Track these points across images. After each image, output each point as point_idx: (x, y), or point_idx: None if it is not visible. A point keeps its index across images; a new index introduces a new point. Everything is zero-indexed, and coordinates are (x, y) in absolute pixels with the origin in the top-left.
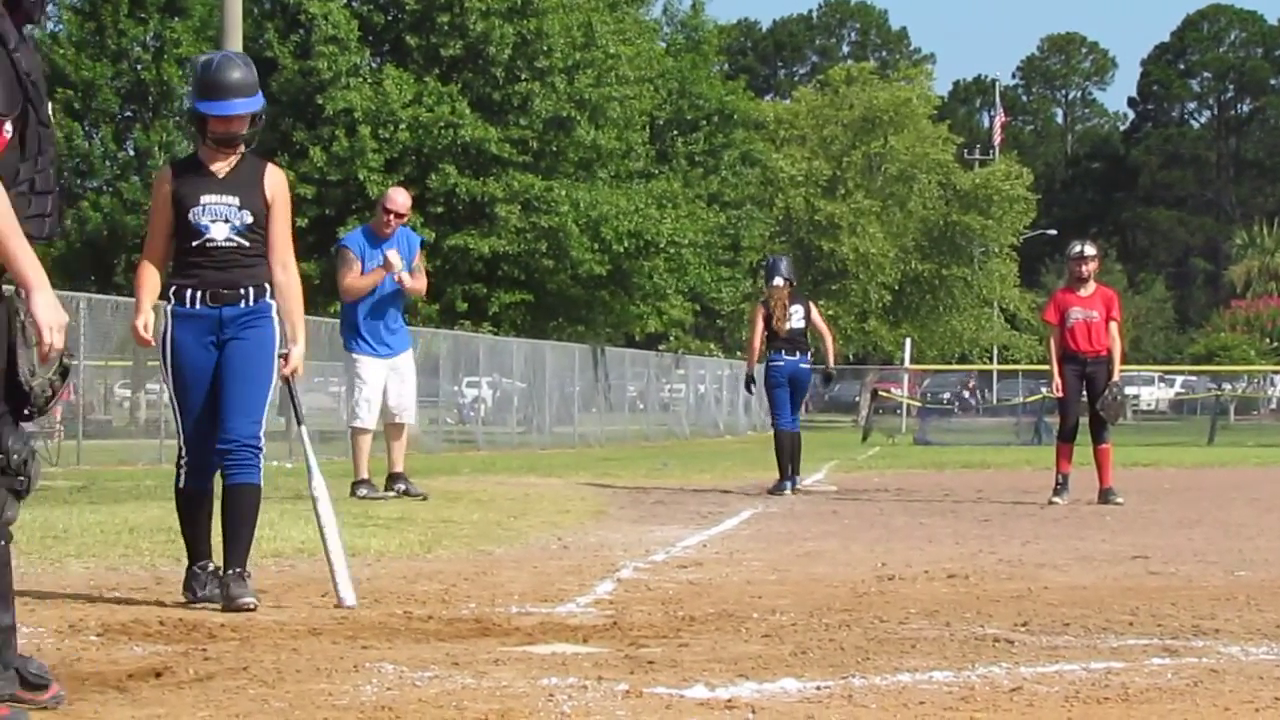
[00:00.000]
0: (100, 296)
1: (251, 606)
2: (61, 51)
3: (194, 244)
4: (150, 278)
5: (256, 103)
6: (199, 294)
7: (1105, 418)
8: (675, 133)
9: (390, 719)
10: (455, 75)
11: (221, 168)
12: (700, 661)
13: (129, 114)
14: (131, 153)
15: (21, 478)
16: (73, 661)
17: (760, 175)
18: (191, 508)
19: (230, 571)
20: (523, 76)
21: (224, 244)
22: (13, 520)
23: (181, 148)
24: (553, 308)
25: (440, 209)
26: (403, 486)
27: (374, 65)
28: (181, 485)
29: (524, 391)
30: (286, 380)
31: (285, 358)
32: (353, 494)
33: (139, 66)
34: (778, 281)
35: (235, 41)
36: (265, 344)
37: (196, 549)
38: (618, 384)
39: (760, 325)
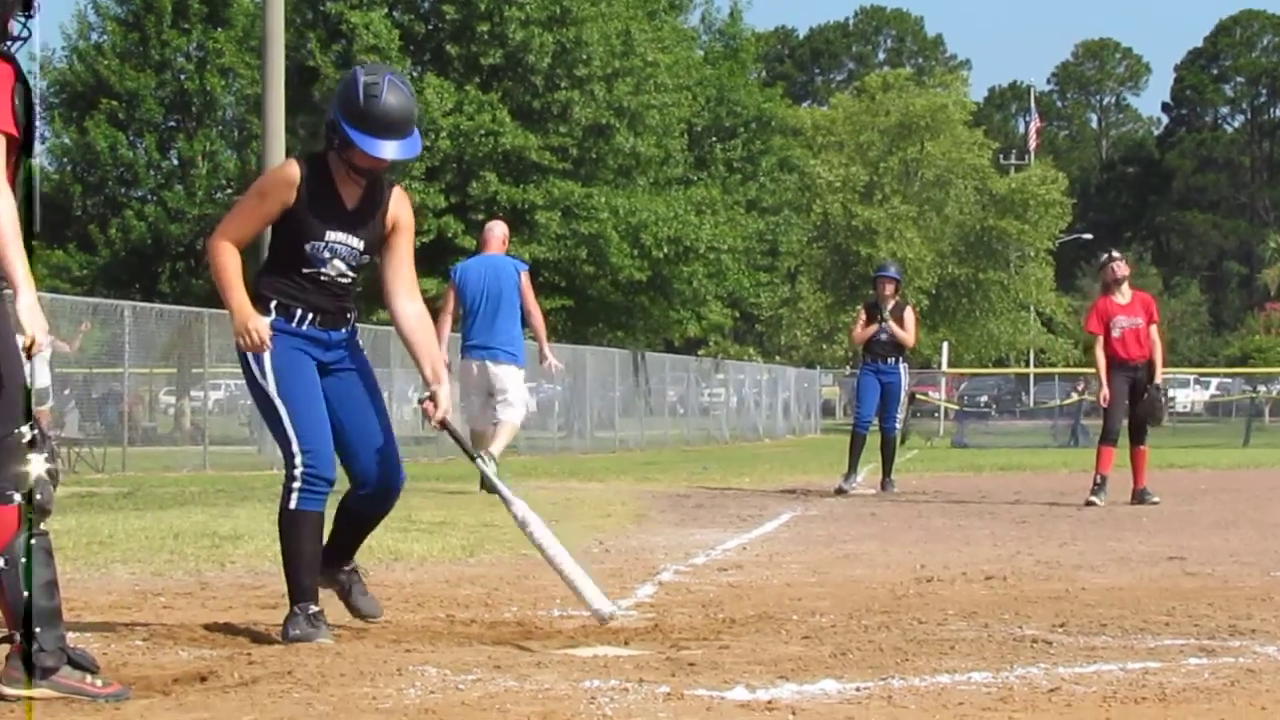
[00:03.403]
0: (145, 304)
1: (378, 618)
2: (106, 62)
3: (305, 270)
4: (236, 261)
5: (416, 146)
6: (309, 315)
7: (1148, 420)
8: (714, 139)
9: None
10: (495, 84)
11: (353, 194)
12: (741, 663)
13: (172, 123)
14: (175, 162)
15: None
16: (119, 666)
17: (798, 181)
18: (306, 534)
19: (349, 570)
20: (562, 84)
21: (336, 279)
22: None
23: (225, 157)
24: (593, 313)
25: (481, 216)
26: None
27: (415, 74)
28: (293, 505)
29: (565, 397)
30: (443, 424)
31: (433, 400)
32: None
33: (182, 76)
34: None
35: (277, 51)
36: (371, 373)
37: (303, 586)
38: (658, 389)
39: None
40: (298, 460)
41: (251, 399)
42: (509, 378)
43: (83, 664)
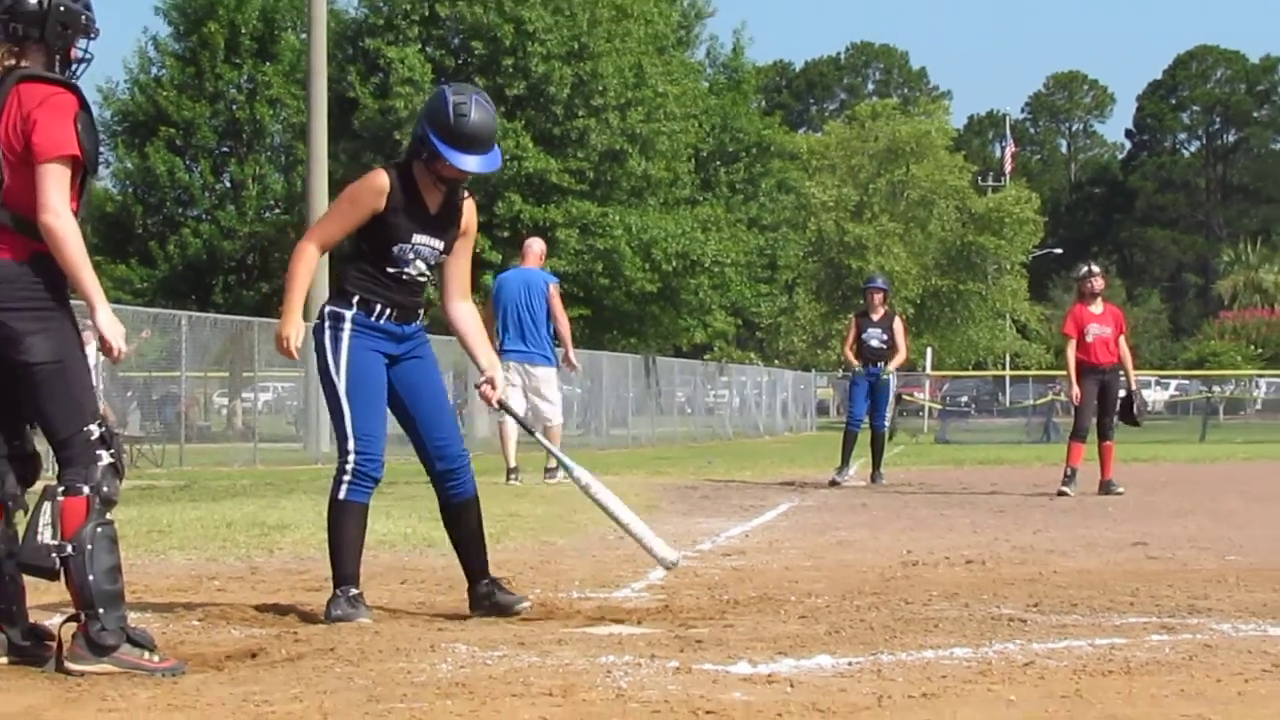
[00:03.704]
0: (200, 314)
1: (526, 606)
2: (164, 93)
3: (389, 270)
4: (309, 271)
5: (497, 161)
6: (388, 311)
7: (1138, 419)
8: (718, 163)
9: (464, 694)
10: (519, 112)
11: (435, 200)
12: (743, 640)
13: (225, 149)
14: (227, 184)
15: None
16: (176, 644)
17: (794, 201)
18: (352, 523)
19: (489, 581)
20: (580, 113)
21: (416, 278)
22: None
23: (273, 180)
24: (609, 322)
25: (506, 233)
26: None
27: None
28: (342, 495)
29: (583, 397)
30: (501, 404)
31: (491, 383)
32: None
33: (234, 106)
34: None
35: (320, 84)
36: (436, 363)
37: (345, 571)
38: (667, 390)
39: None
40: (351, 455)
41: (321, 390)
42: (544, 377)
43: (141, 642)
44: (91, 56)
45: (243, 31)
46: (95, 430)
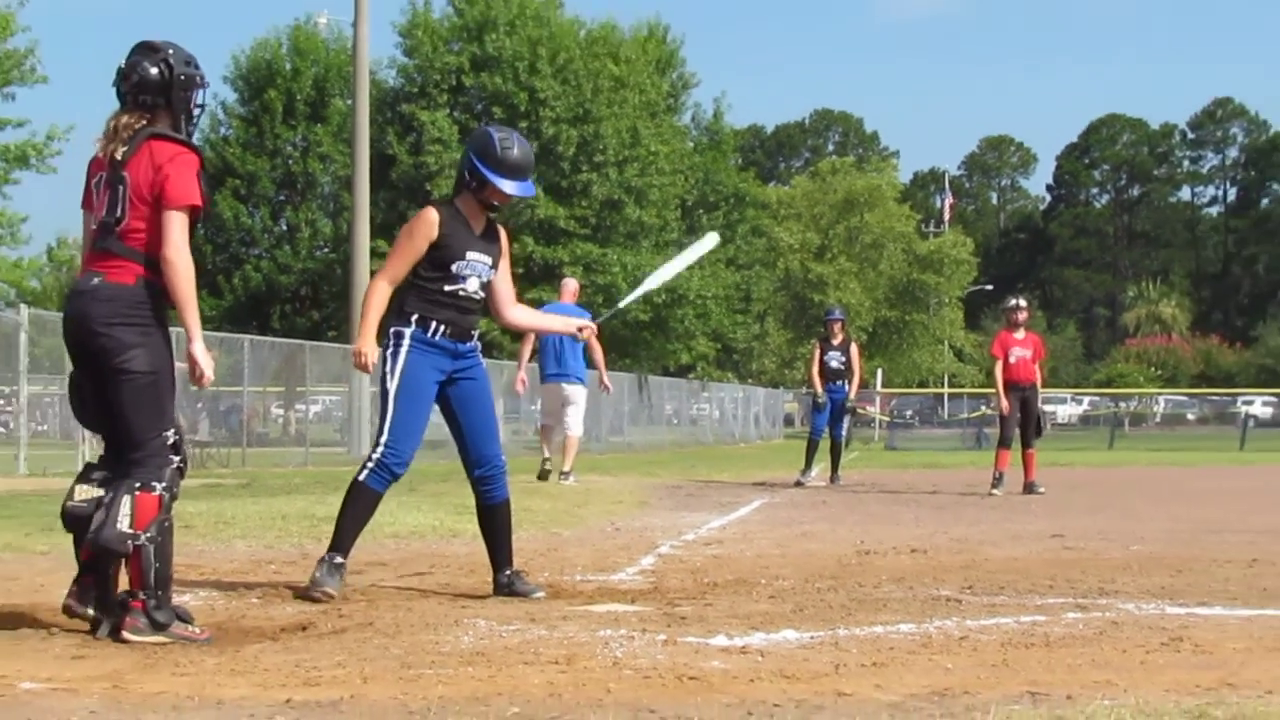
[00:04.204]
0: (260, 338)
1: (541, 596)
2: (231, 150)
3: (448, 288)
4: (383, 303)
5: (533, 188)
6: (443, 328)
7: (1038, 433)
8: (701, 211)
9: (483, 662)
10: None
11: (479, 224)
12: (721, 617)
13: (282, 198)
14: (284, 227)
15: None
16: (239, 618)
17: (766, 244)
18: (362, 505)
19: (511, 571)
20: (584, 168)
21: (473, 294)
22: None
23: (322, 224)
24: (607, 346)
25: (521, 270)
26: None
27: None
28: (363, 479)
29: (587, 409)
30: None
31: (581, 330)
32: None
33: (290, 161)
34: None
35: (363, 142)
36: (488, 379)
37: (344, 542)
38: (658, 404)
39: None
40: (381, 448)
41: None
42: (576, 394)
43: (185, 617)
44: (205, 104)
45: (298, 98)
46: (170, 436)
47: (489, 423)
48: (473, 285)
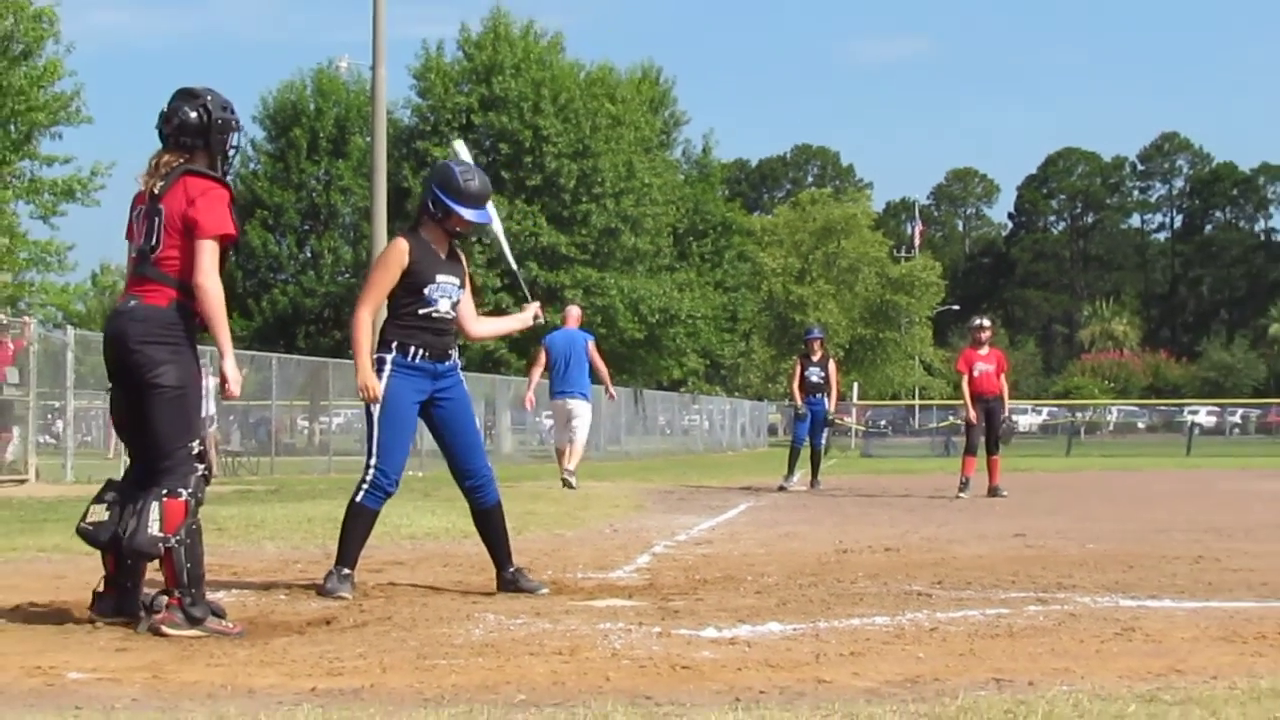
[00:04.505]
0: (286, 355)
1: (544, 592)
2: (260, 183)
3: (421, 311)
4: (368, 332)
5: (489, 214)
6: (422, 351)
7: (1003, 441)
8: (691, 239)
9: (492, 653)
10: (536, 199)
11: (444, 249)
12: (711, 611)
13: (306, 228)
14: (308, 254)
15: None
16: (269, 613)
17: (751, 268)
18: (361, 523)
19: (513, 569)
20: (584, 199)
21: (445, 315)
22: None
23: (344, 251)
24: (605, 362)
25: (526, 293)
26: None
27: None
28: (359, 499)
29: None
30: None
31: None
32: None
33: (313, 194)
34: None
35: (381, 176)
36: (468, 397)
37: (349, 556)
38: (652, 415)
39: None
40: (371, 470)
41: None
42: (581, 409)
43: (219, 612)
44: (239, 146)
45: (321, 135)
46: (196, 447)
47: (473, 437)
48: (444, 306)
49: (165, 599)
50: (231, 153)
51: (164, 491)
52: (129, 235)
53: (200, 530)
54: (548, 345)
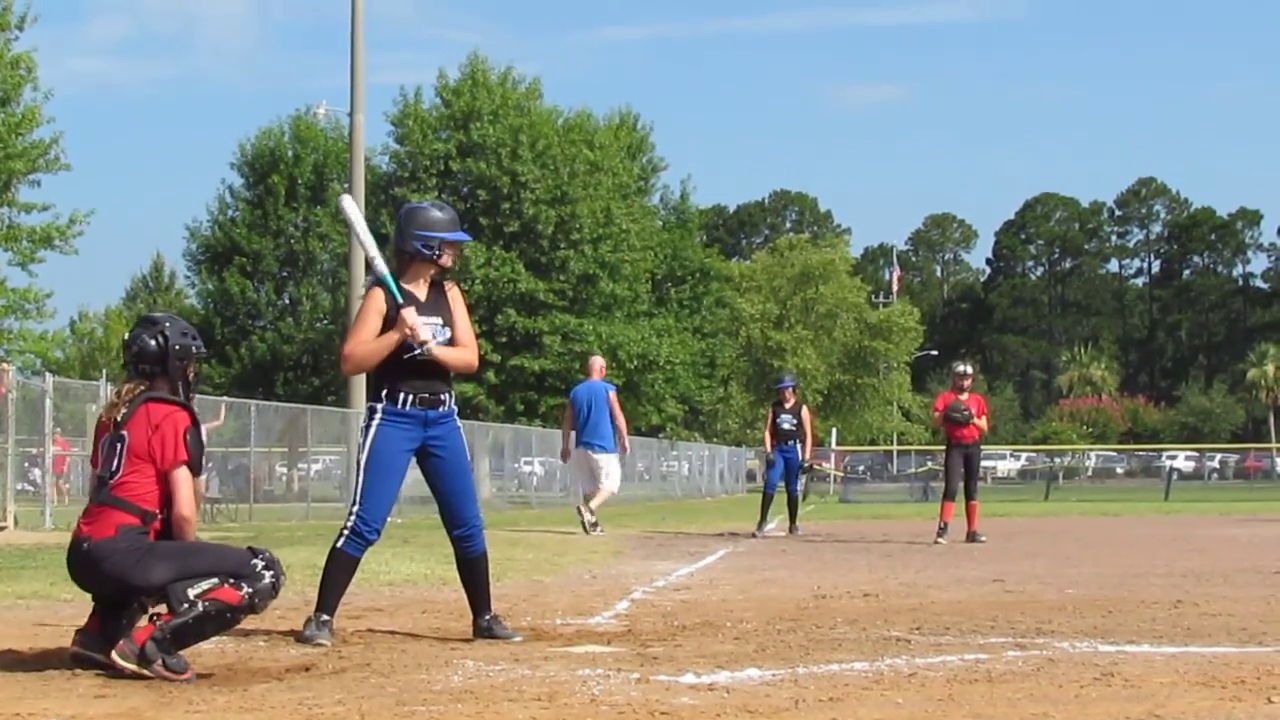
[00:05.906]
0: (265, 402)
1: (518, 640)
2: (238, 230)
3: (405, 356)
4: (368, 345)
5: (466, 234)
6: (410, 398)
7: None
8: (669, 284)
9: (471, 699)
10: (514, 245)
11: (422, 290)
12: (690, 657)
13: (284, 274)
14: (287, 301)
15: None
16: (247, 659)
17: (729, 314)
18: (341, 570)
19: (490, 616)
20: (562, 245)
21: (428, 360)
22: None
23: (322, 298)
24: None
25: (504, 339)
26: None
27: None
28: (340, 546)
29: (565, 468)
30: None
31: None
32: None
33: (292, 240)
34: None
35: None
36: (464, 445)
37: (329, 603)
38: (630, 461)
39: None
40: (353, 517)
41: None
42: (606, 461)
43: (176, 667)
44: (201, 374)
45: (299, 182)
46: (260, 562)
47: (466, 487)
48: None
49: (149, 620)
50: (194, 381)
51: (231, 580)
52: (93, 461)
53: (226, 626)
54: (573, 398)
